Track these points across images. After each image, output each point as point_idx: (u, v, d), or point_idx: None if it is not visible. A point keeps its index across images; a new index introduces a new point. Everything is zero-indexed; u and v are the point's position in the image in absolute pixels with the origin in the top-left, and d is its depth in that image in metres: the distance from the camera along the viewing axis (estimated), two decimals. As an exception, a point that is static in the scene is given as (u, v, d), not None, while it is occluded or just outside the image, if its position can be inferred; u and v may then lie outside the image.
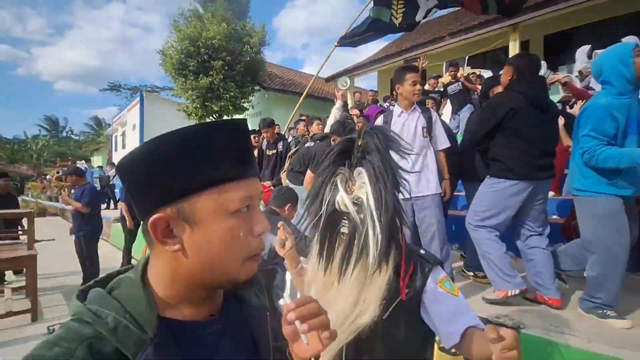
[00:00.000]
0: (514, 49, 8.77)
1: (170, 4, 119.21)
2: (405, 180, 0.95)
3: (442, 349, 2.14)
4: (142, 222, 0.51)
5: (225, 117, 12.75)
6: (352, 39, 4.07)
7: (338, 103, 4.39)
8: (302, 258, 1.29)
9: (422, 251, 1.04)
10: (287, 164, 4.00)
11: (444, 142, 2.55)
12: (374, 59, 11.95)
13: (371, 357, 0.97)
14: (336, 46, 4.19)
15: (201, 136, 0.48)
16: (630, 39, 4.84)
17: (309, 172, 3.13)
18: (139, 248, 5.87)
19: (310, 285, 1.02)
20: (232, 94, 11.82)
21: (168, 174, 0.47)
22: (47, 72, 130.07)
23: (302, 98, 4.36)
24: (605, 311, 2.00)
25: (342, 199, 0.89)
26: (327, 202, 0.92)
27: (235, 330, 0.59)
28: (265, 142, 4.92)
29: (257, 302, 0.66)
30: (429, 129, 2.46)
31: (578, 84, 4.53)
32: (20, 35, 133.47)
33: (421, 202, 2.41)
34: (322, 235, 0.95)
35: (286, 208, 2.40)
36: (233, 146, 0.51)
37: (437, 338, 2.29)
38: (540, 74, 7.55)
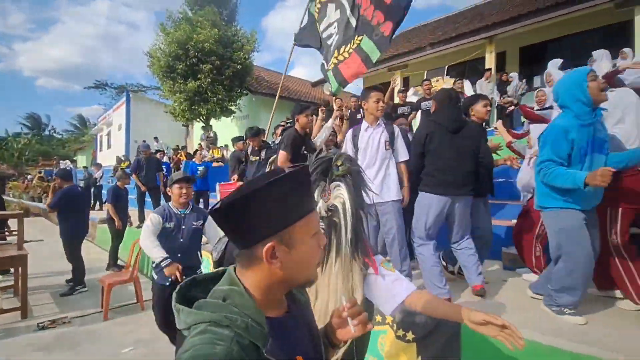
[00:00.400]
0: (490, 60, 9.21)
1: (157, 1, 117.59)
2: (371, 201, 1.28)
3: (398, 337, 2.42)
4: (245, 249, 0.67)
5: (212, 120, 12.86)
6: (301, 35, 4.24)
7: (330, 122, 4.11)
8: None
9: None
10: (267, 169, 4.24)
11: (404, 155, 2.85)
12: (359, 65, 12.26)
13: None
14: (294, 44, 4.34)
15: (293, 182, 0.66)
16: (600, 53, 5.10)
17: (281, 151, 3.33)
18: (126, 249, 5.98)
19: None
20: (219, 97, 11.90)
21: (275, 213, 0.64)
22: (29, 68, 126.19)
23: (276, 99, 4.53)
24: (562, 308, 2.18)
25: (321, 205, 1.20)
26: None
27: (299, 321, 0.78)
28: (250, 148, 5.17)
29: (303, 299, 0.84)
30: (391, 142, 2.77)
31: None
32: (1, 30, 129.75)
33: (383, 208, 2.71)
34: None
35: None
36: (307, 187, 0.71)
37: (393, 329, 2.55)
38: (512, 85, 7.91)
